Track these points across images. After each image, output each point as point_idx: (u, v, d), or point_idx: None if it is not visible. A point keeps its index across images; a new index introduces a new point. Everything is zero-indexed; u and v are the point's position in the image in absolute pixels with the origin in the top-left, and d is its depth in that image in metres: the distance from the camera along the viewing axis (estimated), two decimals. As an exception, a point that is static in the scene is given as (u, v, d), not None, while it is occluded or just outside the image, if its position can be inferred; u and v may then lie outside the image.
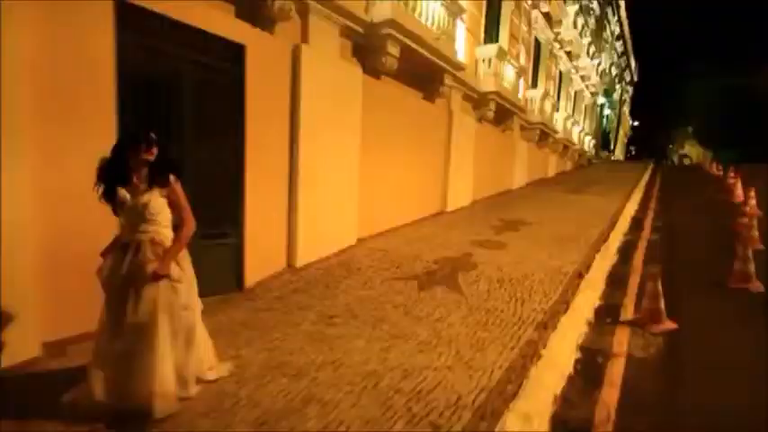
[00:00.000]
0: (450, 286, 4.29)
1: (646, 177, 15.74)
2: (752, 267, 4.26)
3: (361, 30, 5.72)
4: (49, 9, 2.76)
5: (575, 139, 19.46)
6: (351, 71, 5.58)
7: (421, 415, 2.29)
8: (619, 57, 33.79)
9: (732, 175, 11.24)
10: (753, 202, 7.75)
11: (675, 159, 42.79)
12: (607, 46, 27.64)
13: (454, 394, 2.47)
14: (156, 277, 2.13)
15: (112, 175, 2.15)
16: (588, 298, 4.03)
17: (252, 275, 4.46)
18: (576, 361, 2.98)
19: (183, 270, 2.28)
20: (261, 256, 4.57)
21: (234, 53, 4.13)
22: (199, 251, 3.96)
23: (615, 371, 2.86)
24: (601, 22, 24.50)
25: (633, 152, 52.46)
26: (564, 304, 3.86)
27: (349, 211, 5.70)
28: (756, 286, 4.20)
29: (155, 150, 2.19)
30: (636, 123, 51.00)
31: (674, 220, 8.08)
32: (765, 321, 3.61)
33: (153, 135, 2.21)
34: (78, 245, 2.85)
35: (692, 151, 44.25)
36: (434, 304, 3.85)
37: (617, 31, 30.29)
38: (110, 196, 2.16)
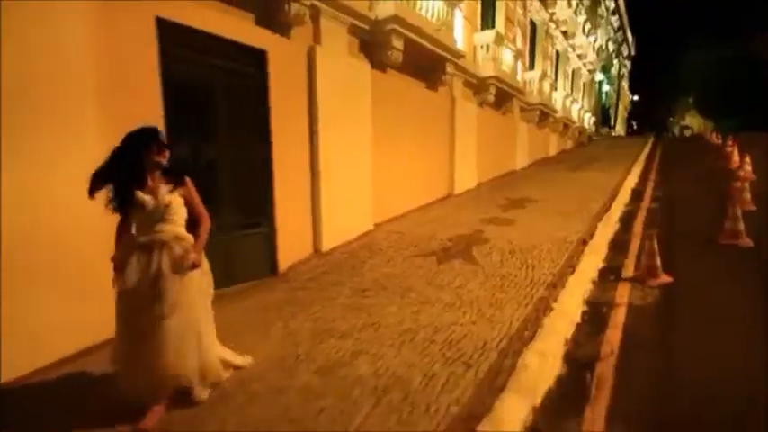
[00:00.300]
0: (466, 259, 4.72)
1: (646, 151, 16.00)
2: (741, 225, 4.66)
3: (366, 27, 6.07)
4: (100, 22, 3.15)
5: (574, 117, 19.67)
6: (360, 67, 5.95)
7: (454, 358, 2.74)
8: (615, 32, 33.62)
9: (730, 143, 11.51)
10: (747, 167, 8.09)
11: (677, 131, 42.71)
12: (603, 22, 27.57)
13: (480, 341, 2.92)
14: (194, 267, 2.25)
15: (131, 178, 2.16)
16: (592, 261, 4.45)
17: (284, 261, 4.90)
18: (583, 312, 3.41)
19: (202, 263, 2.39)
20: (290, 243, 5.00)
21: (257, 59, 4.52)
22: (236, 241, 4.45)
23: (617, 317, 3.29)
24: (595, -2, 24.45)
25: (635, 127, 52.22)
26: (570, 268, 4.28)
27: (365, 198, 6.12)
28: (745, 242, 4.60)
29: (167, 153, 2.24)
30: (636, 98, 50.74)
31: (673, 190, 8.43)
32: (752, 272, 4.02)
33: (164, 137, 2.27)
34: None
35: (693, 122, 44.13)
36: (453, 274, 4.29)
37: (612, 5, 30.13)
38: (125, 199, 2.16)
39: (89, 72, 3.08)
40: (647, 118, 53.08)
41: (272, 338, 3.20)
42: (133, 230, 2.26)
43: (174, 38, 3.70)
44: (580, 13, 19.79)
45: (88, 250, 2.97)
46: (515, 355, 2.70)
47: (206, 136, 4.16)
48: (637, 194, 8.23)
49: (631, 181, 9.50)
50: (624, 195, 7.98)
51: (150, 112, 3.51)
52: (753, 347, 2.82)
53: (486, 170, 10.33)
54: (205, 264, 2.40)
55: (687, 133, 37.80)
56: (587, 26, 21.21)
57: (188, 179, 2.34)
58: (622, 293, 3.71)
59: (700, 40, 40.50)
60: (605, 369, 2.64)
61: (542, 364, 2.62)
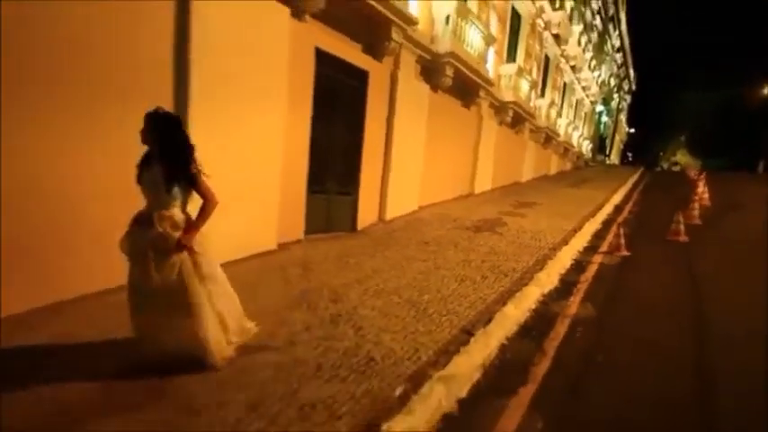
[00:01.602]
0: (493, 232, 6.71)
1: (634, 178, 18.19)
2: (681, 227, 6.76)
3: (428, 57, 8.06)
4: (291, 43, 5.08)
5: (574, 142, 21.90)
6: (422, 88, 7.94)
7: (497, 272, 4.71)
8: (618, 68, 36.24)
9: (701, 177, 13.70)
10: (705, 195, 10.23)
11: (666, 166, 45.47)
12: (607, 58, 30.07)
13: (511, 267, 4.89)
14: (180, 247, 2.31)
15: (142, 160, 2.40)
16: (579, 241, 6.46)
17: (361, 222, 6.83)
18: (572, 264, 5.41)
19: (202, 245, 2.43)
20: (366, 210, 6.94)
21: (363, 76, 6.48)
22: (335, 201, 6.35)
23: (592, 267, 5.30)
24: (603, 36, 26.90)
25: (630, 158, 54.96)
26: (564, 243, 6.28)
27: (415, 185, 8.09)
28: (683, 239, 6.69)
29: (148, 137, 2.34)
30: (632, 130, 53.64)
31: (647, 207, 10.54)
32: (680, 253, 6.09)
33: (144, 123, 2.33)
34: (296, 179, 5.29)
35: (682, 159, 47.12)
36: (485, 239, 6.26)
37: (617, 44, 32.72)
38: (138, 178, 2.38)
39: (285, 73, 4.98)
40: (641, 150, 56.03)
41: (378, 259, 5.12)
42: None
43: (322, 60, 5.64)
44: (588, 50, 22.11)
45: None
46: (532, 274, 4.68)
47: (329, 125, 6.08)
48: (618, 208, 10.31)
49: (617, 198, 11.61)
50: (609, 207, 10.05)
51: (305, 104, 5.46)
52: (666, 281, 4.84)
53: (499, 178, 12.38)
54: (204, 245, 2.44)
55: (676, 168, 40.54)
56: (593, 62, 23.56)
57: (191, 165, 2.37)
58: (597, 258, 5.74)
59: (696, 83, 43.64)
60: (582, 285, 4.64)
61: (547, 279, 4.60)
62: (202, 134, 4.03)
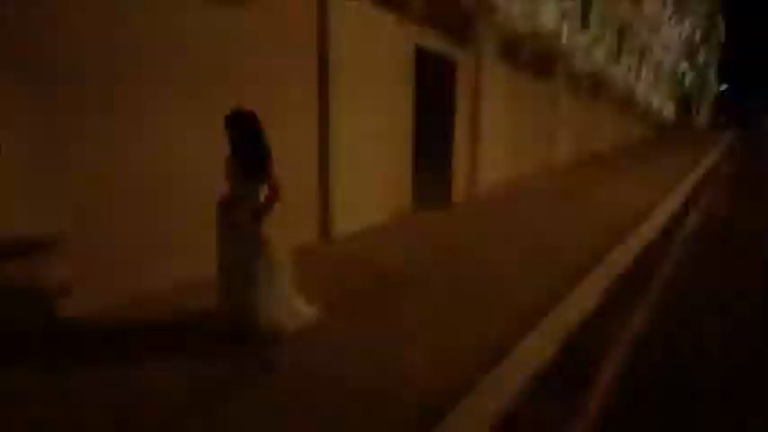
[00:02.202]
0: (580, 199, 7.20)
1: (726, 140, 16.93)
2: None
3: (507, 38, 8.55)
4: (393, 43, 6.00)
5: (655, 106, 20.62)
6: (502, 68, 8.49)
7: (599, 224, 5.30)
8: (704, 20, 32.68)
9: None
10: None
11: (769, 124, 40.18)
12: (690, 11, 27.36)
13: (614, 223, 5.45)
14: (249, 233, 2.56)
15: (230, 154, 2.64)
16: (674, 200, 6.73)
17: (455, 196, 7.65)
18: (667, 221, 5.80)
19: (267, 233, 2.58)
20: (459, 185, 7.75)
21: (453, 66, 7.24)
22: (436, 178, 7.20)
23: (690, 221, 5.65)
24: (684, -12, 24.57)
25: (724, 118, 49.27)
26: (657, 204, 6.60)
27: (500, 160, 8.72)
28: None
29: (230, 132, 2.58)
30: (724, 87, 47.98)
31: (744, 168, 10.10)
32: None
33: (225, 123, 2.57)
34: (405, 158, 6.27)
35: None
36: (575, 206, 6.78)
37: (702, -7, 29.53)
38: (227, 172, 2.65)
39: (392, 66, 5.91)
40: (737, 109, 49.90)
41: (485, 219, 5.94)
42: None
43: (420, 55, 6.49)
44: (666, 6, 20.51)
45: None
46: (632, 228, 5.22)
47: (428, 111, 6.93)
48: (711, 170, 10.03)
49: (708, 161, 11.18)
50: (701, 170, 9.84)
51: (409, 93, 6.35)
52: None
53: (579, 148, 12.45)
54: (265, 232, 2.58)
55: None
56: (673, 19, 21.78)
57: (266, 160, 2.57)
58: (694, 215, 6.03)
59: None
60: (680, 237, 5.09)
61: (647, 232, 5.12)
62: (347, 120, 5.13)
